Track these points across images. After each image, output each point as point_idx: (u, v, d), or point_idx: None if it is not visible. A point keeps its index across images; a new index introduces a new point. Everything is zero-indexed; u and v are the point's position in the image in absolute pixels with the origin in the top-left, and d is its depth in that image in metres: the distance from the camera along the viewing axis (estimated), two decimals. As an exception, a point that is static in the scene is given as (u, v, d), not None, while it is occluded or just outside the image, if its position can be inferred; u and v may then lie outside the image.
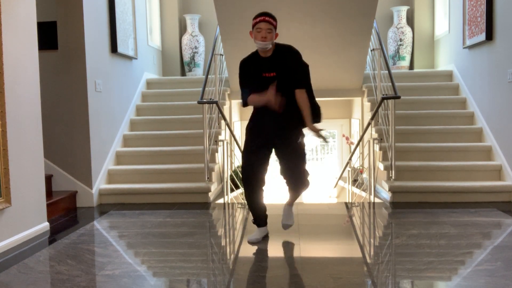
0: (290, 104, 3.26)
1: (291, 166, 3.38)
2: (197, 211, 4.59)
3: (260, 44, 3.21)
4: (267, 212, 3.54)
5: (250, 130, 3.41)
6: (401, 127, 5.48)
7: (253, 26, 3.21)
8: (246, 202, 3.54)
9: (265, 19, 3.16)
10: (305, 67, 3.33)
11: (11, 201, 3.49)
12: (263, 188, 3.44)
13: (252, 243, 3.45)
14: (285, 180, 3.46)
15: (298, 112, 3.30)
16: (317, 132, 3.28)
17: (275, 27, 3.22)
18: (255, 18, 3.21)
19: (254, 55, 3.33)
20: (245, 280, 2.78)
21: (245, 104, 3.38)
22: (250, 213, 3.55)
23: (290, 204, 3.57)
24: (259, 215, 3.50)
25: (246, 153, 3.40)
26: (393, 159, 4.94)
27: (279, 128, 3.31)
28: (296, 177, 3.41)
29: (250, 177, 3.37)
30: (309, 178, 3.46)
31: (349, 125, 8.85)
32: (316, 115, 3.34)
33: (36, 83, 3.91)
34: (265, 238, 3.53)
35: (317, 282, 2.64)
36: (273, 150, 3.44)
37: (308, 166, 3.45)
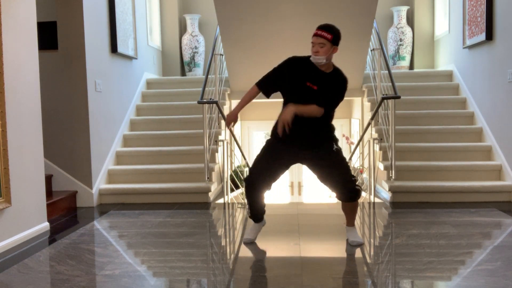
0: (322, 123, 3.14)
1: (336, 182, 3.18)
2: (197, 211, 4.59)
3: (313, 59, 3.07)
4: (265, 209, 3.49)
5: (273, 145, 3.23)
6: (401, 127, 5.48)
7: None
8: (246, 199, 3.46)
9: (317, 34, 3.02)
10: (342, 97, 3.16)
11: (11, 201, 3.49)
12: (262, 195, 3.36)
13: (246, 244, 3.42)
14: (335, 194, 3.30)
15: (329, 129, 3.20)
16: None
17: (331, 40, 3.01)
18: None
19: (308, 60, 3.13)
20: (245, 280, 2.78)
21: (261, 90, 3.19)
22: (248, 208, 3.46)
23: (349, 224, 3.39)
24: (257, 214, 3.44)
25: (257, 166, 3.24)
26: (393, 159, 4.94)
27: (307, 147, 3.16)
28: (343, 187, 3.17)
29: (253, 189, 3.27)
30: (358, 186, 3.20)
31: (349, 125, 8.85)
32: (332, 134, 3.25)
33: (36, 83, 3.91)
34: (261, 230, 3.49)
35: (317, 282, 2.64)
36: (307, 166, 3.29)
37: (352, 172, 3.20)
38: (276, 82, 3.19)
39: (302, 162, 3.29)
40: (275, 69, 3.20)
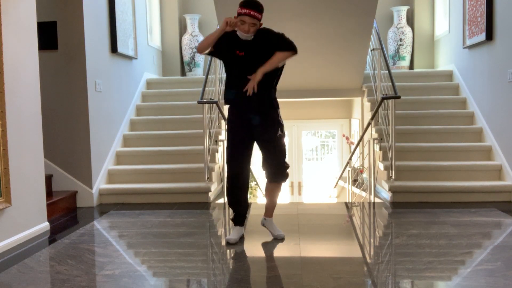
0: (263, 90, 3.29)
1: (271, 158, 3.40)
2: (197, 211, 4.59)
3: (242, 35, 3.24)
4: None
5: (230, 125, 3.43)
6: (401, 127, 5.47)
7: (238, 14, 3.19)
8: (227, 199, 3.51)
9: (250, 14, 3.15)
10: (287, 39, 3.35)
11: (11, 201, 3.49)
12: (248, 183, 3.49)
13: (229, 243, 3.42)
14: (264, 172, 3.47)
15: (272, 98, 3.38)
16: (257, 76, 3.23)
17: (260, 19, 3.21)
18: (241, 6, 3.18)
19: (232, 33, 3.29)
20: (245, 280, 2.78)
21: (200, 49, 3.33)
22: (231, 210, 3.54)
23: (269, 215, 3.54)
24: (240, 213, 3.50)
25: (230, 149, 3.41)
26: (393, 159, 4.94)
27: (257, 119, 3.33)
28: (275, 168, 3.40)
29: (237, 174, 3.39)
30: (288, 171, 3.46)
31: (349, 125, 8.86)
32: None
33: (36, 83, 3.91)
34: (241, 239, 3.50)
35: (317, 282, 2.64)
36: (255, 141, 3.46)
37: (287, 159, 3.47)
38: (217, 45, 3.31)
39: (255, 139, 3.43)
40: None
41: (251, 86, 3.22)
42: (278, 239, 3.48)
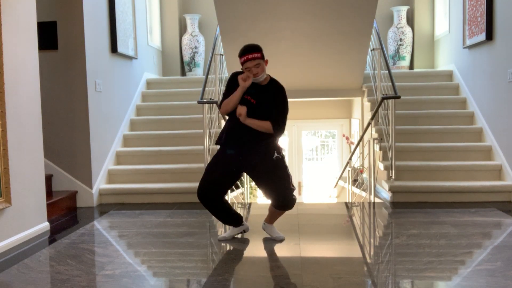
0: (261, 133, 3.22)
1: (273, 188, 3.27)
2: (197, 211, 4.59)
3: (254, 80, 3.19)
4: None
5: (220, 155, 3.35)
6: (401, 127, 5.47)
7: (241, 64, 3.18)
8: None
9: (249, 58, 3.12)
10: (287, 108, 3.28)
11: (11, 201, 3.49)
12: (223, 199, 3.42)
13: (220, 240, 3.51)
14: (270, 201, 3.38)
15: (268, 139, 3.25)
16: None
17: (262, 57, 3.17)
18: (239, 56, 3.16)
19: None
20: (245, 280, 2.78)
21: (224, 112, 3.33)
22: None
23: (271, 222, 3.51)
24: (226, 221, 3.53)
25: (205, 178, 3.31)
26: (393, 159, 4.94)
27: (249, 155, 3.24)
28: (280, 197, 3.27)
29: (205, 200, 3.32)
30: (294, 193, 3.31)
31: (349, 125, 8.85)
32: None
33: (36, 83, 3.91)
34: (243, 233, 3.57)
35: (317, 282, 2.64)
36: (249, 174, 3.41)
37: (293, 182, 3.32)
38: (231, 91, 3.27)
39: (246, 171, 3.39)
40: (227, 86, 3.31)
41: (239, 113, 3.17)
42: (278, 240, 3.47)
